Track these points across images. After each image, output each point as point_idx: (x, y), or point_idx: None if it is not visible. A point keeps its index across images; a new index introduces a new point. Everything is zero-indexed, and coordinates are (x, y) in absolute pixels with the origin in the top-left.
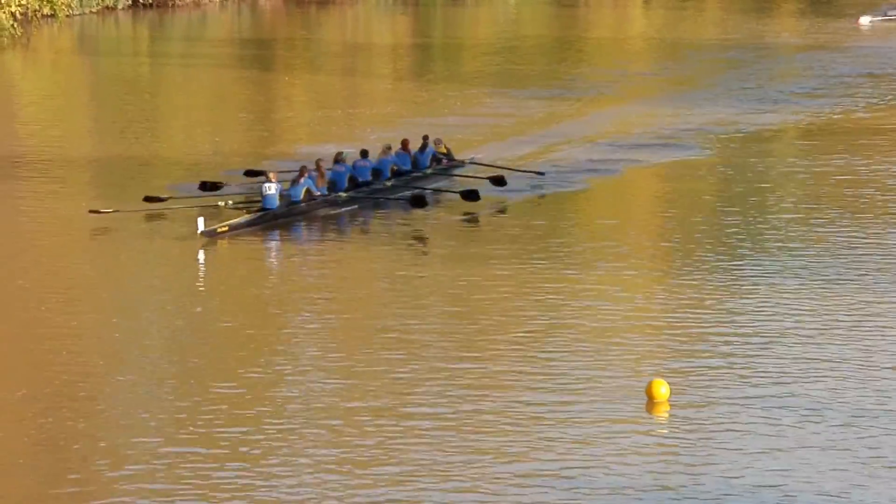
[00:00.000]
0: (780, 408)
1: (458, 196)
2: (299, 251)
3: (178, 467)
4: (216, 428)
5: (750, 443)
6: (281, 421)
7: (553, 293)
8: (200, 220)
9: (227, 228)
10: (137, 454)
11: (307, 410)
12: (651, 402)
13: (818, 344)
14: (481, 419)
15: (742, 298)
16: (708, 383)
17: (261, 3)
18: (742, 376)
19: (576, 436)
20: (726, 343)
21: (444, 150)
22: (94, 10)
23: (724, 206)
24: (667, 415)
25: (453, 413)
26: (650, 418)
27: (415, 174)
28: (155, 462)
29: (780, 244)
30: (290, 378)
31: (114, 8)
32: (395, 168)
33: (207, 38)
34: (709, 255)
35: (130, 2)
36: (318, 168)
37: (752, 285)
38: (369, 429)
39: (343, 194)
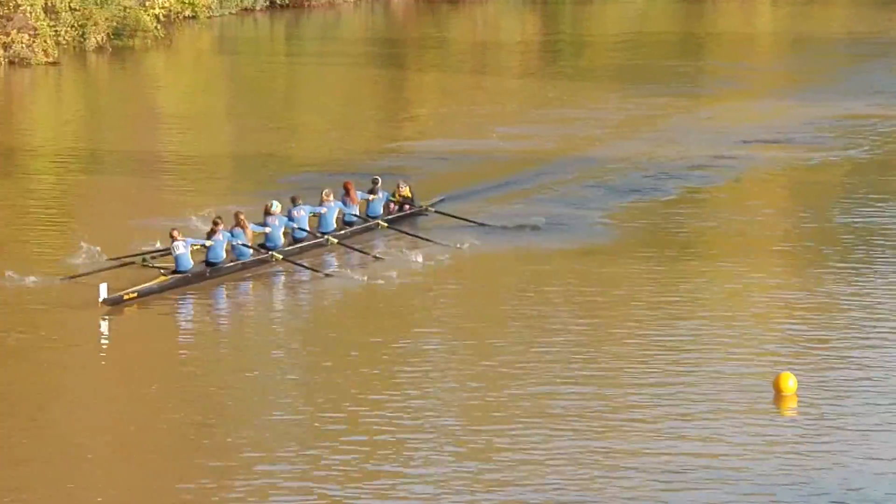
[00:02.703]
0: None
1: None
2: (215, 319)
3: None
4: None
5: (880, 436)
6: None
7: (679, 288)
8: (103, 287)
9: (134, 295)
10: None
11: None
12: (778, 396)
13: None
14: (609, 413)
15: (871, 293)
16: (835, 376)
17: (393, 3)
18: (870, 369)
19: (703, 428)
20: (854, 336)
21: (408, 195)
22: (233, 11)
23: (853, 203)
24: (794, 408)
25: (582, 407)
26: (777, 411)
27: (364, 225)
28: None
29: None
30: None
31: (252, 9)
32: (342, 216)
33: (341, 37)
34: (837, 251)
35: (268, 3)
36: (237, 221)
37: (883, 280)
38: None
39: (277, 255)
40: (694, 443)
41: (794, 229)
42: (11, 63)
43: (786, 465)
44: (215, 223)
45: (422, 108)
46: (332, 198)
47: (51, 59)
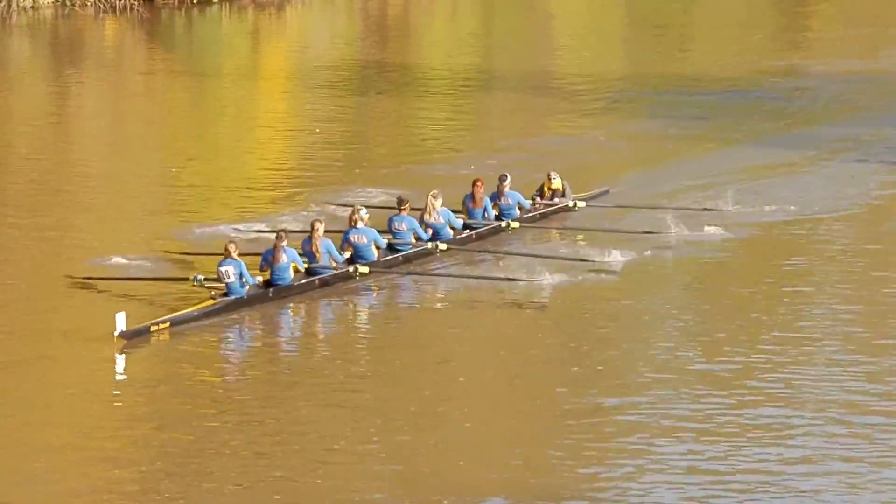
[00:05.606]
0: None
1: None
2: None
3: None
4: None
5: None
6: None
7: None
8: (120, 317)
9: (167, 325)
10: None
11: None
12: None
13: None
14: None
15: None
16: None
17: None
18: None
19: None
20: None
21: (559, 188)
22: None
23: None
24: None
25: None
26: None
27: (483, 229)
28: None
29: None
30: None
31: None
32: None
33: None
34: None
35: None
36: (312, 231)
37: None
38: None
39: (363, 268)
40: None
41: None
42: None
43: None
44: (279, 237)
45: (819, 32)
46: (440, 203)
47: None
